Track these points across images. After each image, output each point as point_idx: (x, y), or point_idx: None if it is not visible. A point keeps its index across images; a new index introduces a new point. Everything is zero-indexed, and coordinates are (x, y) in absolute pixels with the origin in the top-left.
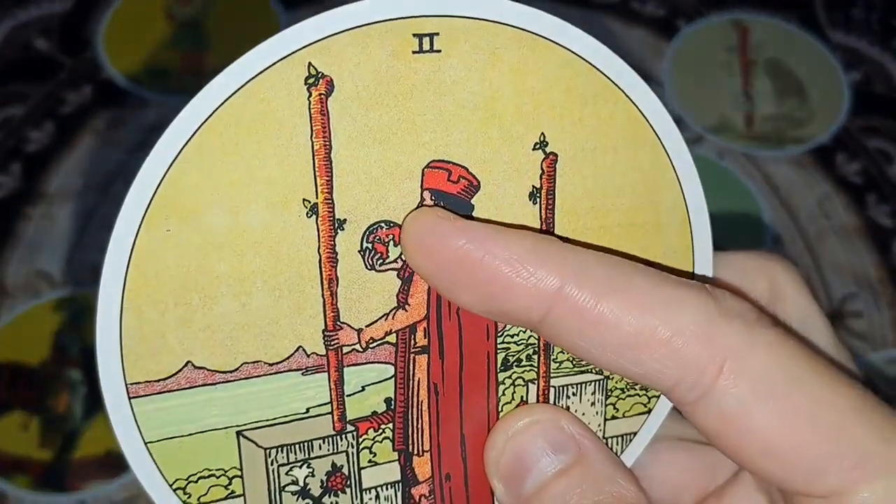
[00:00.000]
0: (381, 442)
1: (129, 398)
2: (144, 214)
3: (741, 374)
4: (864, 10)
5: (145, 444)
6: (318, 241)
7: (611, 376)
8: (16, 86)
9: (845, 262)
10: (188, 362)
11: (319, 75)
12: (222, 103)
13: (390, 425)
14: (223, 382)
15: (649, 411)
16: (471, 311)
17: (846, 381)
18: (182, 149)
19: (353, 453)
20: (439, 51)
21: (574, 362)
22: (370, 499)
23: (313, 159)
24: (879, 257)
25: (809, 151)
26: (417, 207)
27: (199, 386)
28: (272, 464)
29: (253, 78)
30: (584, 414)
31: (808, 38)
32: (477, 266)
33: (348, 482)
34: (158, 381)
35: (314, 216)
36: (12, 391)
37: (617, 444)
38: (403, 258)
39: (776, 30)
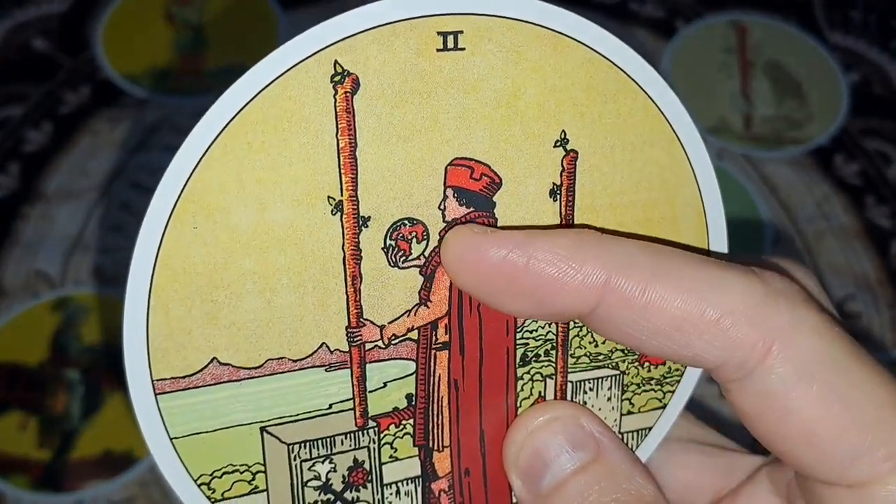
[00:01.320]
0: (401, 438)
1: (155, 394)
2: (172, 212)
3: (787, 355)
4: (863, 12)
5: (170, 439)
6: (343, 238)
7: (626, 371)
8: (14, 86)
9: (844, 264)
10: (213, 359)
11: (345, 73)
12: (249, 101)
13: (411, 421)
14: (248, 379)
15: (664, 406)
16: (521, 316)
17: (885, 373)
18: (209, 147)
19: (374, 449)
20: (463, 49)
21: (591, 357)
22: (391, 493)
23: (338, 157)
24: (878, 259)
25: (808, 153)
26: (440, 205)
27: (224, 382)
28: (295, 459)
29: (279, 76)
30: (600, 409)
31: (806, 40)
32: (522, 272)
33: (369, 477)
34: (184, 377)
35: (339, 213)
36: (11, 391)
37: (632, 438)
38: (426, 255)
39: (775, 31)
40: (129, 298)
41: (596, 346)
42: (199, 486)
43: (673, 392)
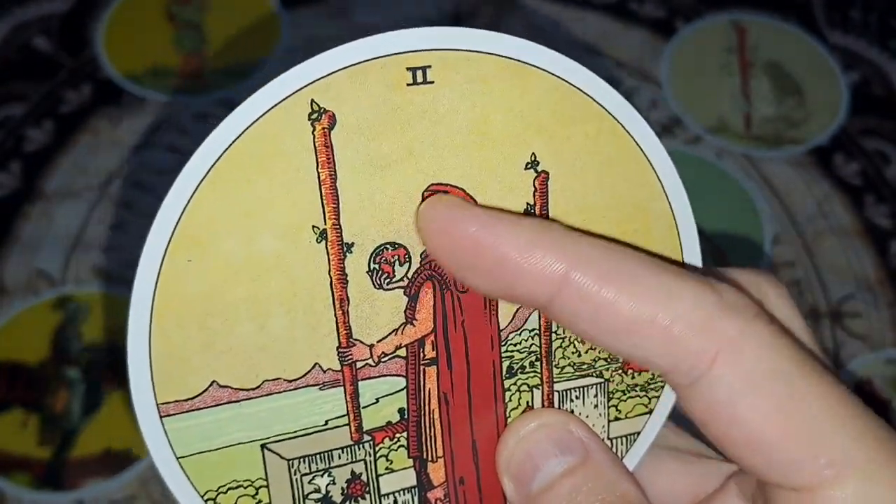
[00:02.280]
0: (396, 450)
1: (161, 417)
2: (167, 246)
3: (733, 365)
4: (862, 11)
5: (177, 459)
6: (329, 264)
7: (611, 379)
8: (15, 85)
9: (844, 263)
10: (213, 382)
11: (322, 111)
12: (234, 141)
13: (404, 434)
14: (246, 399)
15: (650, 412)
16: (480, 293)
17: (833, 382)
18: (198, 186)
19: (370, 461)
20: (432, 82)
21: (575, 367)
22: (388, 503)
23: (320, 189)
24: (878, 258)
25: (808, 152)
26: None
27: (225, 404)
28: (295, 474)
29: (261, 116)
30: (588, 416)
31: (806, 39)
32: (487, 251)
33: (367, 489)
34: (187, 400)
35: (324, 241)
36: (11, 390)
37: (622, 443)
38: (409, 276)
39: (775, 31)
40: (132, 327)
41: (579, 355)
42: (206, 501)
43: (658, 397)
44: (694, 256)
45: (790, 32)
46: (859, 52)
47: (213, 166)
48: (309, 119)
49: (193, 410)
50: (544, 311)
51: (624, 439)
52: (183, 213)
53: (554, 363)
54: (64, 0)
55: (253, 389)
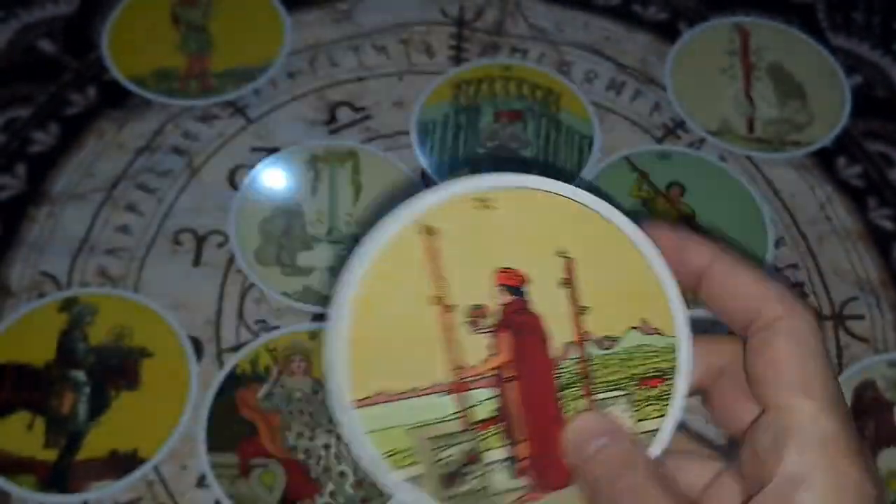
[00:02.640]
0: (494, 435)
1: (355, 408)
2: (348, 332)
3: (788, 321)
4: (865, 14)
5: (366, 432)
6: (443, 318)
7: (633, 393)
8: (21, 87)
9: (847, 265)
10: (382, 388)
11: (430, 228)
12: (369, 263)
13: (499, 424)
14: (400, 399)
15: (664, 415)
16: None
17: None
18: (364, 270)
19: (478, 442)
20: (496, 207)
21: (607, 384)
22: (492, 469)
23: (434, 273)
24: (881, 260)
25: (811, 154)
26: (495, 295)
27: (388, 402)
28: (432, 447)
29: (390, 233)
30: (620, 417)
31: (809, 42)
32: (677, 258)
33: (477, 459)
34: (368, 397)
35: (438, 305)
36: (17, 392)
37: (647, 438)
38: (491, 325)
39: (777, 33)
40: (335, 350)
41: (610, 376)
42: (383, 457)
43: (669, 404)
44: (680, 313)
45: (793, 35)
46: (862, 54)
47: (364, 270)
48: (421, 233)
49: (372, 404)
50: (700, 287)
51: (648, 434)
52: (355, 289)
53: (592, 382)
54: (69, 2)
55: (404, 392)
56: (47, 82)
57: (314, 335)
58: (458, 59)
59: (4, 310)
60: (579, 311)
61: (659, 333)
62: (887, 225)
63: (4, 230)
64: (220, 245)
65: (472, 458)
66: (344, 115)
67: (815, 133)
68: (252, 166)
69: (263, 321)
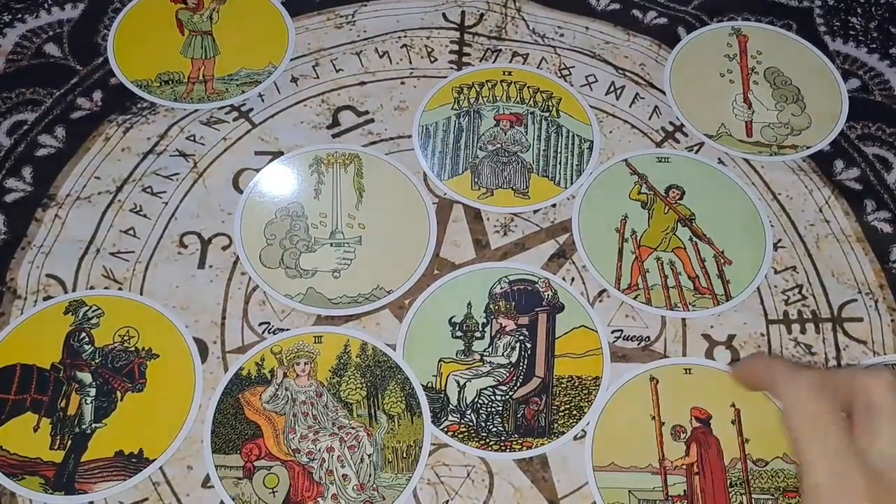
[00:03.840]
0: (685, 501)
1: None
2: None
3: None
4: (862, 19)
5: (598, 488)
6: (657, 430)
7: (779, 498)
8: (28, 92)
9: (845, 268)
10: (613, 461)
11: (653, 377)
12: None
13: (686, 500)
14: (625, 471)
15: None
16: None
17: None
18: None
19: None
20: (694, 374)
21: (761, 490)
22: None
23: (654, 402)
24: (878, 262)
25: (808, 158)
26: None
27: (616, 471)
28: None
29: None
30: None
31: (807, 47)
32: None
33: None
34: (603, 466)
35: (654, 421)
36: (24, 393)
37: None
38: (687, 437)
39: (775, 38)
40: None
41: (763, 483)
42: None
43: None
44: None
45: (791, 40)
46: (859, 58)
47: None
48: (651, 380)
49: (606, 471)
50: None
51: None
52: None
53: (750, 486)
54: (75, 8)
55: (628, 467)
56: (54, 87)
57: (319, 338)
58: (459, 64)
59: (11, 312)
60: (744, 440)
61: (795, 462)
62: (885, 227)
63: (11, 233)
64: (225, 247)
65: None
66: (347, 118)
67: (812, 136)
68: (256, 170)
69: (268, 323)
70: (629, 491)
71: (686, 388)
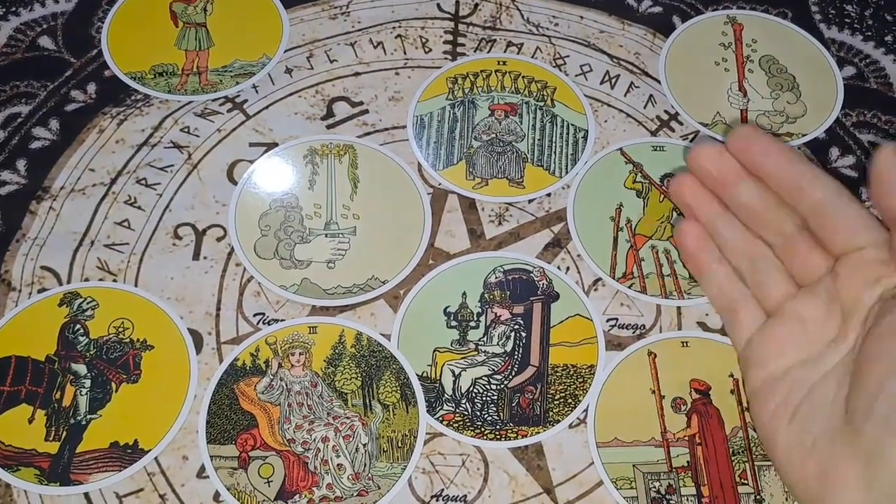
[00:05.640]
0: (687, 478)
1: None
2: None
3: None
4: (857, 7)
5: (602, 463)
6: (657, 402)
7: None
8: (21, 84)
9: None
10: (616, 437)
11: (650, 352)
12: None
13: (690, 472)
14: (628, 446)
15: None
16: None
17: None
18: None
19: (676, 481)
20: (691, 347)
21: (763, 456)
22: (684, 498)
23: (654, 378)
24: None
25: (804, 145)
26: None
27: (619, 446)
28: (646, 479)
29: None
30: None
31: (802, 34)
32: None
33: (675, 491)
34: (607, 441)
35: (654, 395)
36: (18, 385)
37: None
38: (688, 409)
39: (771, 26)
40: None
41: (763, 453)
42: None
43: None
44: None
45: (786, 27)
46: (855, 46)
47: None
48: (650, 356)
49: (609, 447)
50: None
51: None
52: None
53: (752, 453)
54: (69, 1)
55: (631, 442)
56: (48, 79)
57: (314, 328)
58: (454, 54)
59: (6, 304)
60: (743, 409)
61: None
62: (880, 215)
63: (5, 225)
64: (220, 239)
65: (671, 490)
66: (341, 109)
67: (808, 124)
68: (251, 161)
69: (262, 314)
70: (633, 465)
71: (684, 360)
